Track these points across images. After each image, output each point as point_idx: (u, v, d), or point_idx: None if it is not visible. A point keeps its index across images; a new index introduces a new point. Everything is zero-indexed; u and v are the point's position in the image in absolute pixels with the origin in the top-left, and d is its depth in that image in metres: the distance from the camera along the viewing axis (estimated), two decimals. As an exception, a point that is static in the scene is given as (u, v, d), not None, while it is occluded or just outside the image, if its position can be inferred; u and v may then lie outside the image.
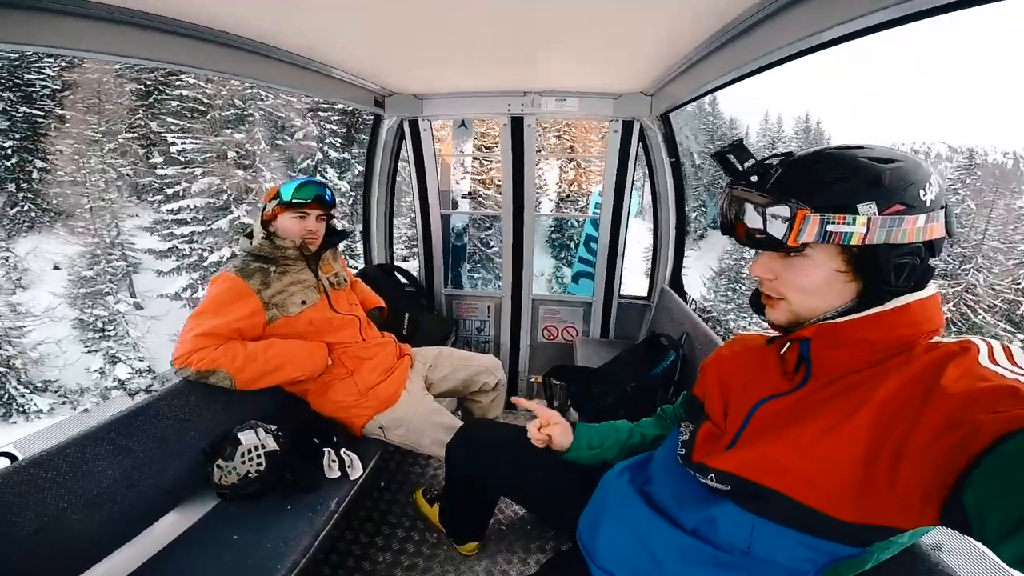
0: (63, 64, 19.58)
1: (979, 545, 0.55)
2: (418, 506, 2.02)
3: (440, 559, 1.83)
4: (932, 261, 0.75)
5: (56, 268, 17.64)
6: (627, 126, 2.50)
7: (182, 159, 17.12)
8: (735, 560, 0.83)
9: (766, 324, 0.94)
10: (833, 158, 0.75)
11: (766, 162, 0.80)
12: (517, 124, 2.56)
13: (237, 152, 16.86)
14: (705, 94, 1.79)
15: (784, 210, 0.73)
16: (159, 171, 17.17)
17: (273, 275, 1.71)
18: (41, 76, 19.56)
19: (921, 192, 0.71)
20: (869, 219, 0.70)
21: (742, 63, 1.34)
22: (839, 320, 0.78)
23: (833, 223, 0.71)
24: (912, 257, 0.72)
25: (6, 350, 14.57)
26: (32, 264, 17.47)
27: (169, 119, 17.81)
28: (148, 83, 20.71)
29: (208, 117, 17.36)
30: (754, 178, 0.80)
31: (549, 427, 1.23)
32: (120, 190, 19.32)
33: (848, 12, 0.93)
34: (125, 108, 20.31)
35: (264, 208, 1.79)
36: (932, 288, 0.77)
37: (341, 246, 2.09)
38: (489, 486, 1.53)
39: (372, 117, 2.78)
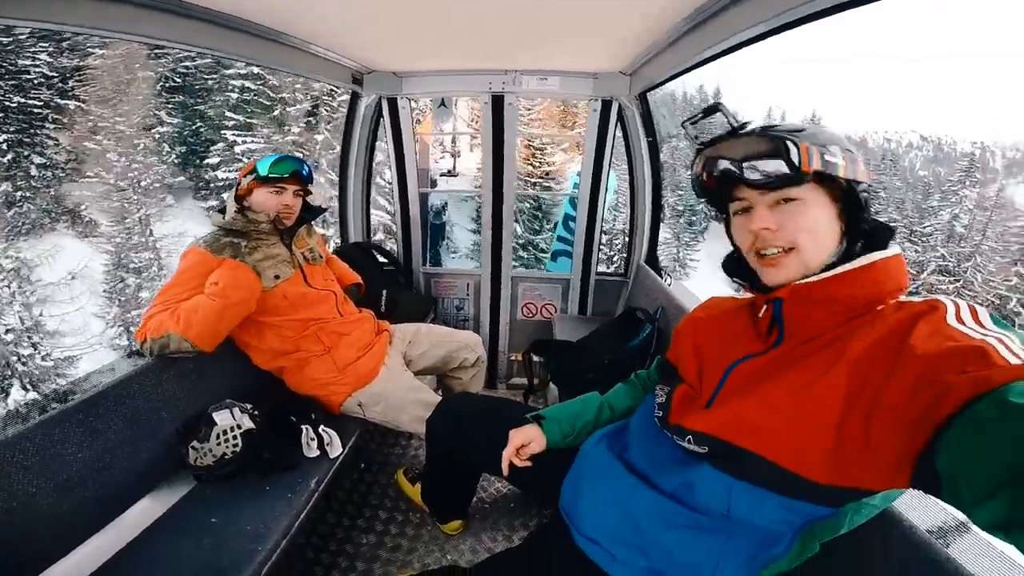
0: (61, 48, 17.79)
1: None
2: (400, 486, 2.02)
3: (424, 539, 1.83)
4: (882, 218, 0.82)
5: (73, 278, 15.92)
6: (606, 105, 2.49)
7: (246, 159, 15.93)
8: (714, 523, 0.85)
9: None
10: (787, 124, 0.84)
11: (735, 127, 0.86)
12: (498, 103, 2.53)
13: (303, 152, 15.79)
14: (681, 73, 1.79)
15: (787, 146, 0.77)
16: (219, 173, 15.96)
17: (244, 250, 1.68)
18: (35, 63, 17.61)
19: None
20: (843, 154, 0.78)
21: (717, 41, 1.35)
22: (811, 280, 0.80)
23: (826, 154, 0.77)
24: (868, 195, 0.82)
25: (59, 384, 13.31)
26: (45, 274, 15.49)
27: (229, 114, 16.54)
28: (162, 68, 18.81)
29: (276, 114, 16.22)
30: (742, 132, 0.84)
31: (525, 448, 1.21)
32: (149, 191, 17.58)
33: None
34: (140, 98, 18.48)
35: (239, 184, 1.75)
36: (895, 248, 0.80)
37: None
38: (471, 460, 1.53)
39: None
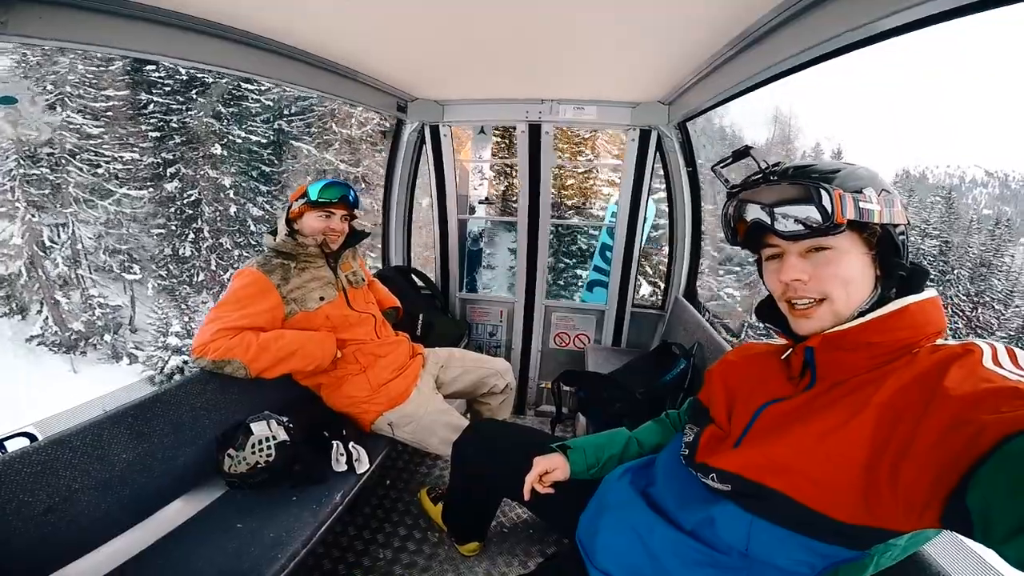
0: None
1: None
2: (422, 505, 2.03)
3: (440, 559, 1.83)
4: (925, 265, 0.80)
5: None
6: (644, 135, 2.50)
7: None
8: (733, 562, 0.83)
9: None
10: (822, 163, 0.81)
11: (766, 171, 0.85)
12: (535, 132, 2.59)
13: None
14: (722, 102, 1.79)
15: (820, 193, 0.76)
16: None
17: (293, 271, 1.76)
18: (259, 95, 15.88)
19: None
20: (878, 197, 0.77)
21: (758, 70, 1.35)
22: (843, 327, 0.78)
23: (860, 200, 0.75)
24: (905, 236, 0.80)
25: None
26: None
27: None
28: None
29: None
30: (773, 177, 0.83)
31: (549, 475, 1.21)
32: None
33: (866, 15, 0.92)
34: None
35: (290, 206, 1.85)
36: (931, 291, 0.78)
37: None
38: (494, 484, 1.54)
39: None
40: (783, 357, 0.93)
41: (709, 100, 1.80)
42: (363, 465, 1.67)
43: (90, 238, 15.58)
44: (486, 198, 3.57)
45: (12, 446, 1.25)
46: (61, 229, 15.29)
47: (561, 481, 1.21)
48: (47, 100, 15.06)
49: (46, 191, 15.00)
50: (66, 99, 15.23)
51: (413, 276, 3.01)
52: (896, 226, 0.78)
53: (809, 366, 0.83)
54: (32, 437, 1.26)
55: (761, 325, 0.97)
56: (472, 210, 3.55)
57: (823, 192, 0.75)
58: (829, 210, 0.74)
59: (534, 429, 1.63)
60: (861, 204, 0.75)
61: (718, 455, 0.89)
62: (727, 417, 0.96)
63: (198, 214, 16.15)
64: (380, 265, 3.13)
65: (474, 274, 3.65)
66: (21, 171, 14.51)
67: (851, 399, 0.74)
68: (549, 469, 1.21)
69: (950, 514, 0.56)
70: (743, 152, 0.92)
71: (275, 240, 1.81)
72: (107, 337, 15.43)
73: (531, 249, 2.83)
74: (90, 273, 15.46)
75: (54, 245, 15.01)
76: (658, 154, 2.60)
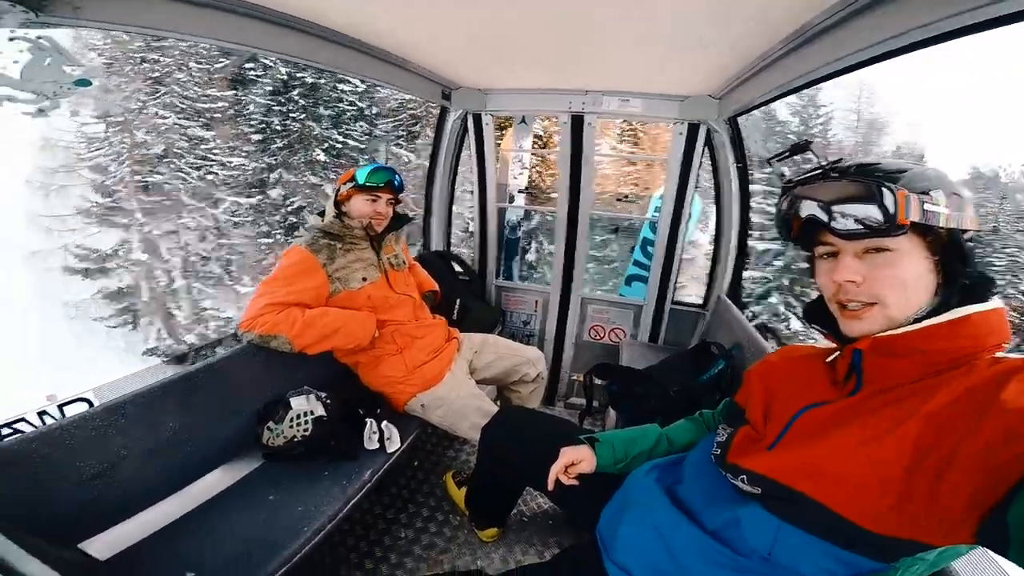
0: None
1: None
2: (447, 488, 2.07)
3: (459, 542, 1.86)
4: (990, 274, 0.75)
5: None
6: (692, 129, 2.43)
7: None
8: (755, 566, 0.81)
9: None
10: (887, 163, 0.77)
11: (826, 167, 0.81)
12: (577, 123, 2.55)
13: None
14: (776, 98, 1.72)
15: (883, 192, 0.72)
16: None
17: (339, 251, 1.82)
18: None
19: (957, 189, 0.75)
20: (947, 201, 0.72)
21: (816, 67, 1.28)
22: (896, 332, 0.75)
23: (927, 202, 0.72)
24: (973, 243, 0.75)
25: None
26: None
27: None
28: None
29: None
30: (834, 174, 0.79)
31: (575, 467, 1.21)
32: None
33: (929, 15, 0.86)
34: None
35: (339, 189, 1.91)
36: (996, 301, 0.73)
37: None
38: (518, 472, 1.55)
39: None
40: (828, 360, 0.90)
41: (763, 95, 1.72)
42: (394, 444, 1.72)
43: (201, 246, 15.74)
44: (526, 187, 3.55)
45: (71, 411, 1.31)
46: (170, 237, 15.45)
47: (586, 473, 1.21)
48: (142, 101, 15.03)
49: (157, 198, 15.16)
50: (173, 100, 15.26)
51: (452, 261, 3.05)
52: (964, 232, 0.74)
53: (855, 370, 0.80)
54: (90, 403, 1.34)
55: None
56: (511, 199, 3.54)
57: (886, 191, 0.71)
58: (891, 210, 0.71)
59: (563, 419, 1.63)
60: (927, 206, 0.71)
61: (750, 456, 0.88)
62: (763, 419, 0.93)
63: (300, 222, 16.16)
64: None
65: (511, 262, 3.67)
66: (137, 178, 14.74)
67: (897, 408, 0.71)
68: (575, 460, 1.21)
69: (987, 529, 0.55)
70: (803, 146, 0.88)
71: (323, 221, 1.87)
72: (219, 350, 15.78)
73: (569, 240, 2.81)
74: (196, 282, 15.69)
75: (167, 255, 15.30)
76: (706, 149, 2.52)
